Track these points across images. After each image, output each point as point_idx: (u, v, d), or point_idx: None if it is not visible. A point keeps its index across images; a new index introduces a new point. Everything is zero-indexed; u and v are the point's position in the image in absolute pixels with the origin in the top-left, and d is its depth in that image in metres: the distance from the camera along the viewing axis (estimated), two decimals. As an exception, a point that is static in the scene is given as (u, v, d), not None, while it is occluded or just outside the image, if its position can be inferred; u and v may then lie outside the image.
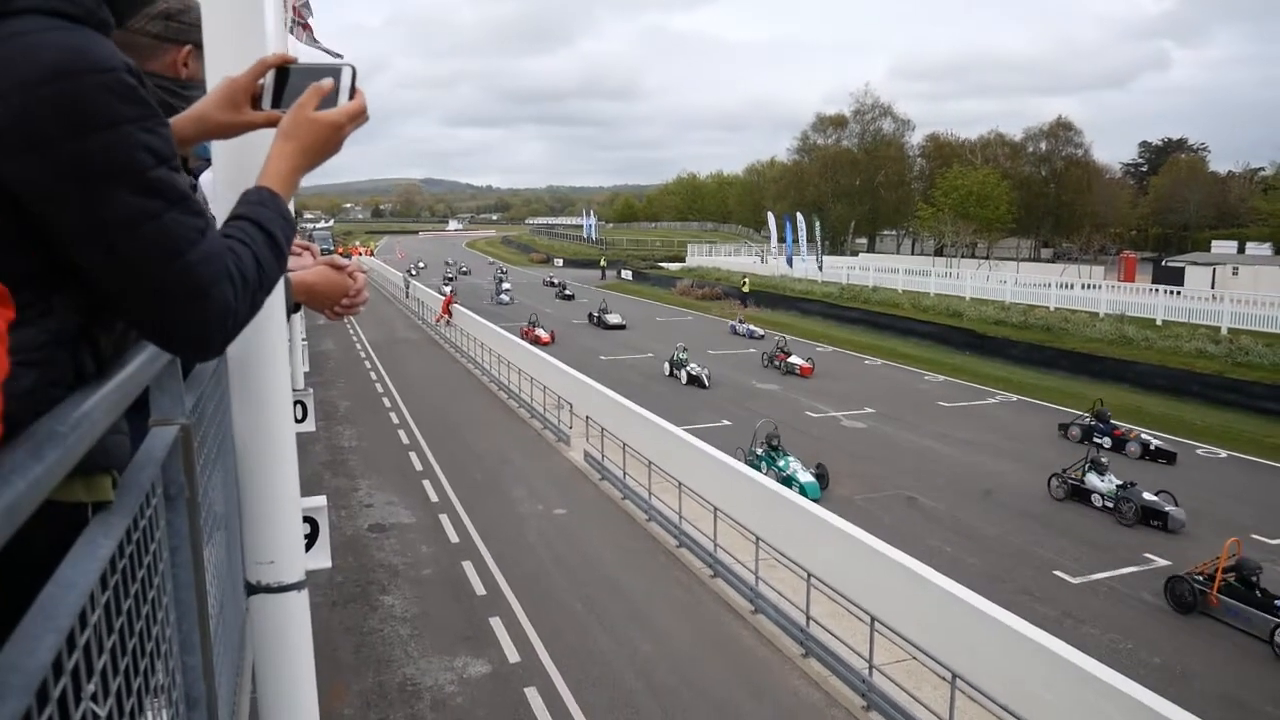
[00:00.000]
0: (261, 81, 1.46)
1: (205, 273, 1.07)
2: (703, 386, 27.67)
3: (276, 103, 1.45)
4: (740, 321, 40.36)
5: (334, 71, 1.44)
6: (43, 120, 0.93)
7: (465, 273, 76.18)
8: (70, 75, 0.95)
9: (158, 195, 1.02)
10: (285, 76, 1.45)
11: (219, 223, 1.23)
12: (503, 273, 67.54)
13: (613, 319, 41.57)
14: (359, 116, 1.43)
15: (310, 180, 1.59)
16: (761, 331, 38.88)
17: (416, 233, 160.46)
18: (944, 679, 9.17)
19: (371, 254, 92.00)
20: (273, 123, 1.43)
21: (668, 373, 29.72)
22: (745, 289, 50.84)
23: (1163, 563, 14.25)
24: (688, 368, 28.65)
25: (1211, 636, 12.03)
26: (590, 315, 43.44)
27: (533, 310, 43.62)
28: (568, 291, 57.69)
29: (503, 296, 54.58)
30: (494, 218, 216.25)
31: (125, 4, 1.20)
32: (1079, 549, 14.79)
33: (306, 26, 9.42)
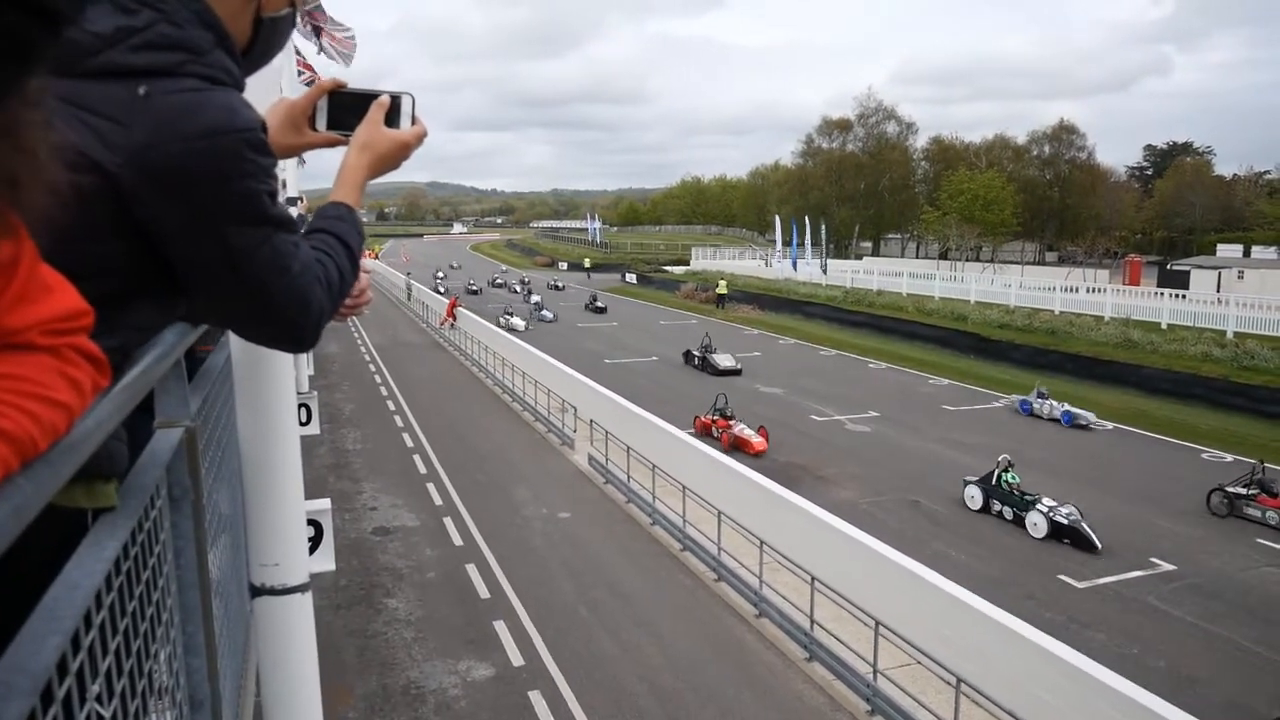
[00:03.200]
0: (316, 104, 1.58)
1: (305, 282, 1.26)
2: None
3: (329, 125, 1.58)
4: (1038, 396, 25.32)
5: (390, 96, 1.57)
6: (196, 168, 1.10)
7: (456, 267, 79.66)
8: (223, 133, 1.12)
9: (268, 223, 1.19)
10: (337, 100, 1.58)
11: None
12: (525, 282, 63.13)
13: (724, 361, 30.87)
14: (422, 139, 1.60)
15: (315, 184, 1.68)
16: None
17: (421, 236, 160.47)
18: (949, 684, 9.15)
19: (375, 257, 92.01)
20: (331, 144, 1.59)
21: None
22: (721, 290, 51.51)
23: (1168, 567, 14.20)
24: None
25: (1215, 641, 11.99)
26: (690, 354, 32.46)
27: (719, 395, 23.42)
28: (599, 304, 50.84)
29: (544, 313, 45.80)
30: (498, 221, 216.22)
31: (251, 67, 1.39)
32: (1085, 553, 14.74)
33: (320, 30, 9.42)
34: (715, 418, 22.07)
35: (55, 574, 0.74)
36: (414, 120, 1.57)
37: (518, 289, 61.18)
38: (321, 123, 1.58)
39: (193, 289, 1.21)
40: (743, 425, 21.19)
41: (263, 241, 1.19)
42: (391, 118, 1.55)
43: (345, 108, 1.56)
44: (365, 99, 1.56)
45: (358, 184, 1.53)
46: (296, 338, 1.33)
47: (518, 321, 41.98)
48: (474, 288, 60.81)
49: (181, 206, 1.11)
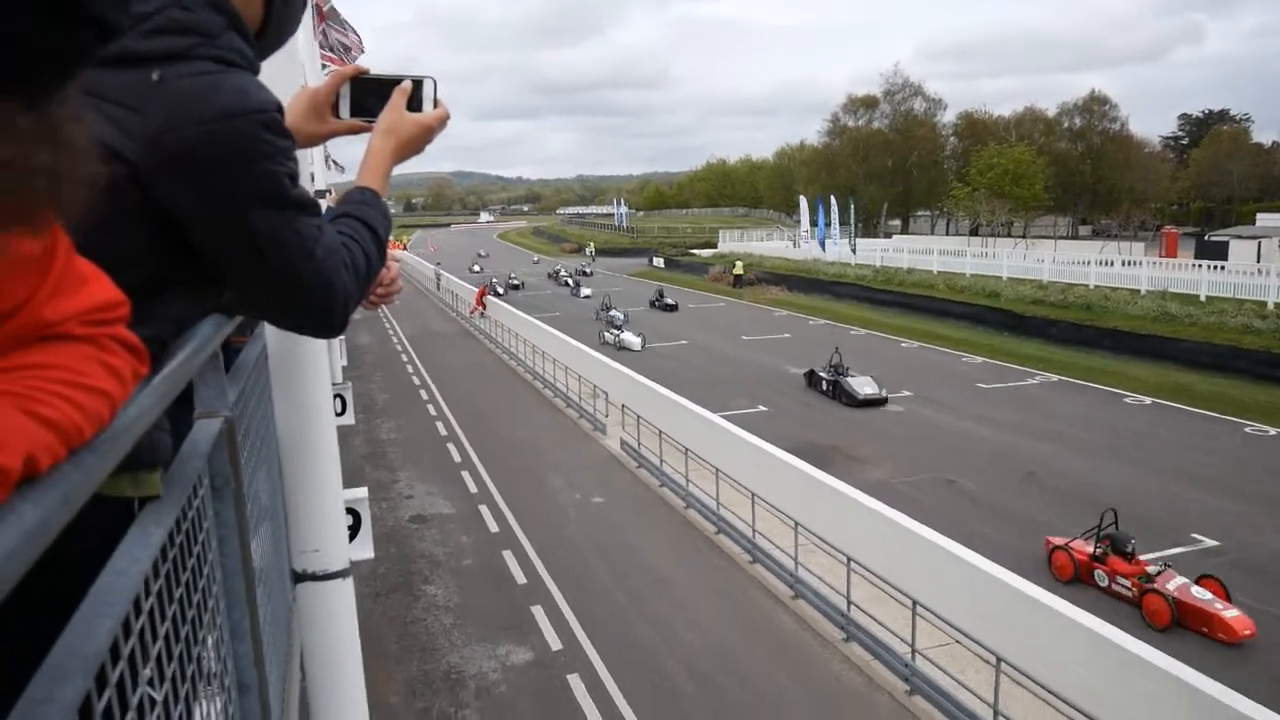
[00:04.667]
0: (338, 92, 1.60)
1: (330, 264, 1.26)
2: None
3: (352, 112, 1.59)
4: None
5: (411, 81, 1.58)
6: (212, 151, 1.10)
7: (484, 255, 78.24)
8: (238, 115, 1.13)
9: (292, 206, 1.20)
10: (359, 87, 1.59)
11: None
12: (585, 272, 58.56)
13: (864, 388, 23.30)
14: (444, 123, 1.61)
15: (341, 177, 1.72)
16: None
17: (449, 225, 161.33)
18: (989, 663, 9.09)
19: (404, 248, 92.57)
20: (354, 131, 1.60)
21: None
22: (738, 271, 51.83)
23: (1211, 543, 13.99)
24: None
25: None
26: (815, 376, 24.94)
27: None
28: (669, 300, 44.07)
29: (614, 313, 36.00)
30: (525, 209, 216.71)
31: (266, 49, 1.40)
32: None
33: (324, 16, 9.45)
34: (1100, 549, 12.68)
35: (100, 562, 0.75)
36: (435, 103, 1.58)
37: (569, 282, 55.41)
38: (344, 110, 1.59)
39: (220, 275, 1.22)
40: (1180, 579, 11.69)
41: (286, 224, 1.19)
42: (414, 102, 1.56)
43: (367, 94, 1.57)
44: (387, 85, 1.57)
45: (382, 169, 1.53)
46: (324, 322, 1.33)
47: (631, 338, 32.23)
48: (515, 281, 54.63)
49: (201, 191, 1.11)
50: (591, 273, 58.98)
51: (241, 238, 1.17)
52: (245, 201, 1.15)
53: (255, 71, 1.25)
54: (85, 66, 0.60)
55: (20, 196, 0.58)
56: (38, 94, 0.58)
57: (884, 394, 23.33)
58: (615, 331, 33.23)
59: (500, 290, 48.12)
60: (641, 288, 52.32)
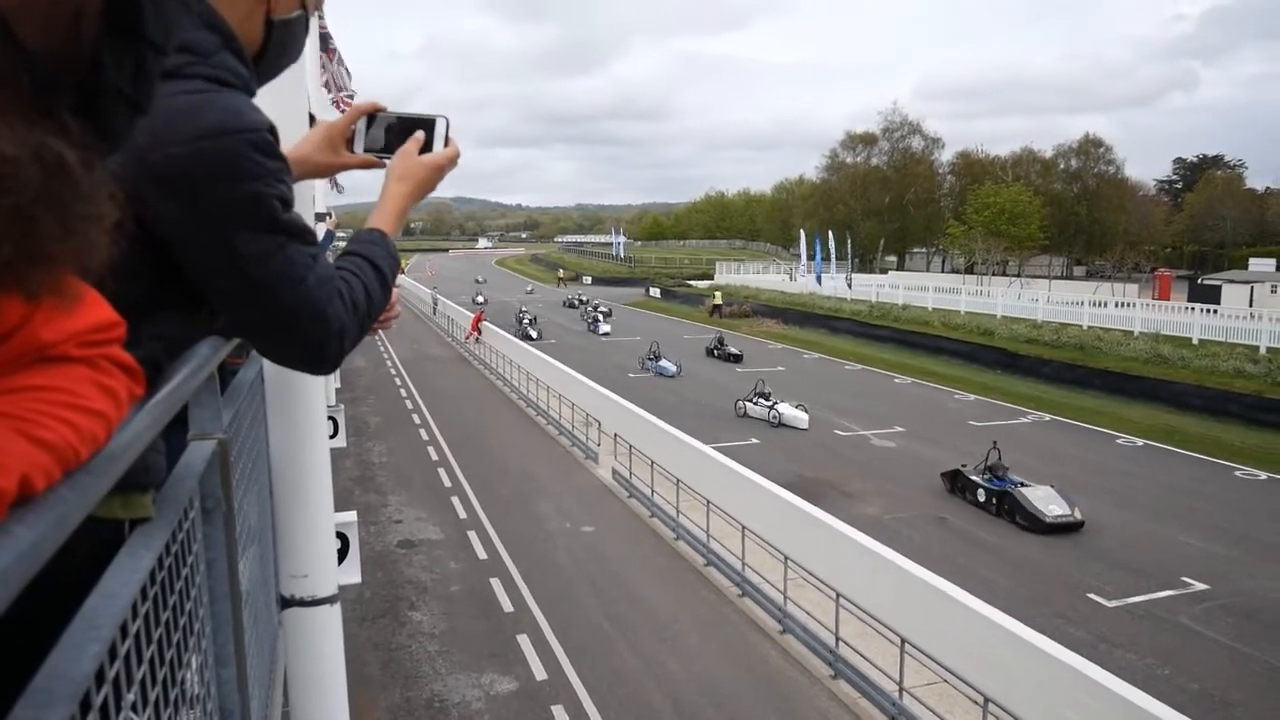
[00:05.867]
0: (353, 127, 1.63)
1: (321, 294, 1.23)
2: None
3: (366, 147, 1.63)
4: None
5: (423, 120, 1.62)
6: (201, 169, 1.09)
7: (481, 281, 78.08)
8: (227, 133, 1.11)
9: (283, 232, 1.18)
10: (375, 122, 1.62)
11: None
12: (602, 312, 49.89)
13: (1052, 509, 16.46)
14: (455, 161, 1.63)
15: (342, 200, 1.74)
16: None
17: (447, 250, 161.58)
18: (976, 703, 9.02)
19: (402, 272, 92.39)
20: (366, 166, 1.63)
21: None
22: (716, 301, 53.64)
23: (1201, 586, 13.96)
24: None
25: (1251, 663, 11.75)
26: (961, 478, 18.32)
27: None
28: (733, 350, 37.20)
29: (664, 365, 32.95)
30: (523, 236, 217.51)
31: (265, 74, 1.39)
32: (1114, 572, 14.53)
33: (330, 52, 9.57)
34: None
35: (88, 584, 0.75)
36: (447, 142, 1.61)
37: (589, 318, 49.07)
38: (359, 145, 1.62)
39: (209, 298, 1.20)
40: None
41: (275, 250, 1.17)
42: (427, 141, 1.59)
43: (382, 130, 1.61)
44: (403, 122, 1.60)
45: (395, 211, 1.54)
46: (315, 355, 1.29)
47: (793, 412, 25.06)
48: (527, 317, 45.74)
49: (186, 210, 1.09)
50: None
51: (227, 260, 1.15)
52: (232, 223, 1.13)
53: (251, 94, 1.23)
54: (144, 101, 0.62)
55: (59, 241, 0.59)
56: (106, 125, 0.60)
57: (1077, 515, 16.47)
58: (765, 403, 25.49)
59: (530, 333, 42.12)
60: (658, 323, 52.37)
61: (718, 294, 54.89)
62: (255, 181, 1.13)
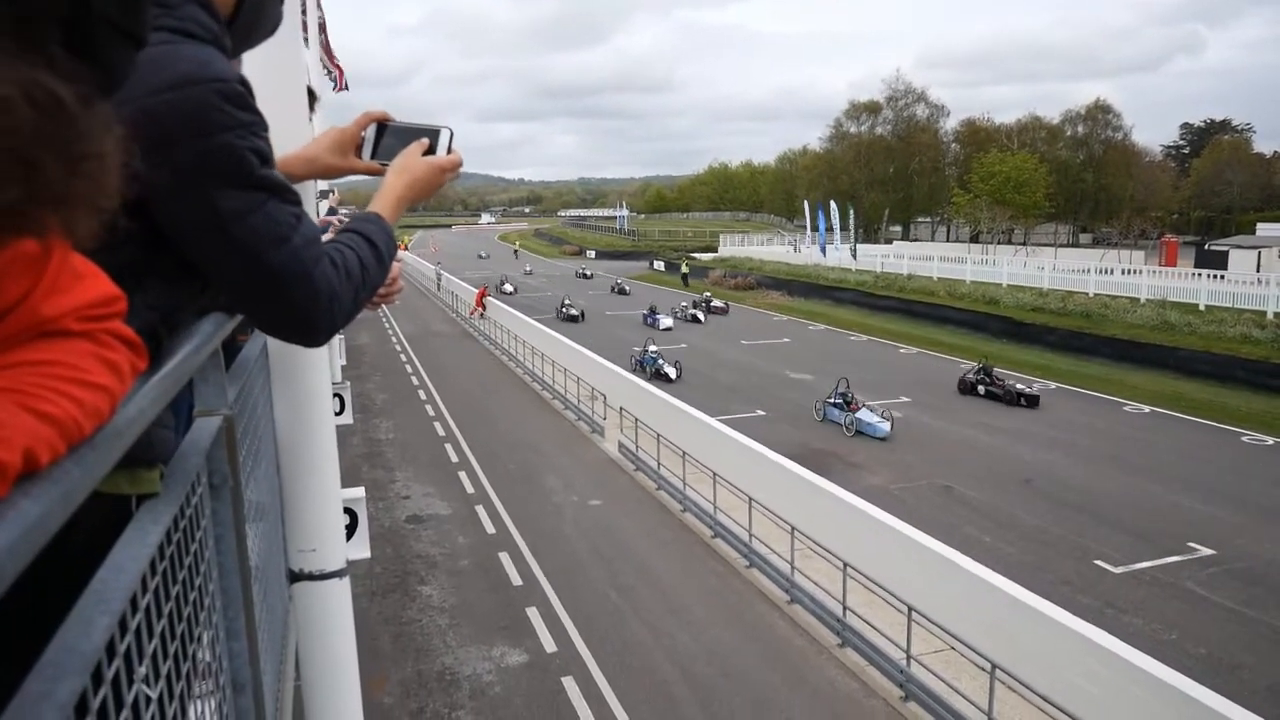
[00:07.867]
0: (363, 134, 1.71)
1: (308, 255, 1.20)
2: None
3: (373, 154, 1.71)
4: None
5: (429, 130, 1.68)
6: (169, 122, 1.06)
7: (484, 257, 79.79)
8: (194, 83, 1.08)
9: (261, 188, 1.14)
10: (383, 131, 1.71)
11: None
12: (709, 306, 42.16)
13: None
14: (457, 168, 1.68)
15: (346, 179, 1.85)
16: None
17: (450, 226, 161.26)
18: (983, 669, 9.09)
19: (405, 248, 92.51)
20: (373, 171, 1.69)
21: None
22: (685, 270, 57.22)
23: (1207, 551, 13.99)
24: None
25: (1258, 627, 11.79)
26: None
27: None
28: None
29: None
30: (526, 210, 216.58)
31: (241, 38, 1.36)
32: (1120, 538, 14.57)
33: (325, 46, 9.58)
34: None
35: (96, 559, 0.75)
36: (449, 151, 1.68)
37: (644, 315, 39.35)
38: (366, 152, 1.71)
39: (192, 260, 1.16)
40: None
41: (255, 207, 1.13)
42: (431, 149, 1.66)
43: (389, 139, 1.69)
44: (410, 133, 1.67)
45: (393, 200, 1.58)
46: (305, 322, 1.25)
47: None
48: (573, 311, 40.91)
49: (159, 165, 1.04)
50: (592, 275, 50.77)
51: (203, 216, 1.11)
52: (207, 177, 1.10)
53: (223, 49, 1.21)
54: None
55: (42, 192, 0.58)
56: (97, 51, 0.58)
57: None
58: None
59: (572, 312, 40.21)
60: (665, 296, 52.15)
61: (684, 264, 58.69)
62: (226, 133, 1.10)
